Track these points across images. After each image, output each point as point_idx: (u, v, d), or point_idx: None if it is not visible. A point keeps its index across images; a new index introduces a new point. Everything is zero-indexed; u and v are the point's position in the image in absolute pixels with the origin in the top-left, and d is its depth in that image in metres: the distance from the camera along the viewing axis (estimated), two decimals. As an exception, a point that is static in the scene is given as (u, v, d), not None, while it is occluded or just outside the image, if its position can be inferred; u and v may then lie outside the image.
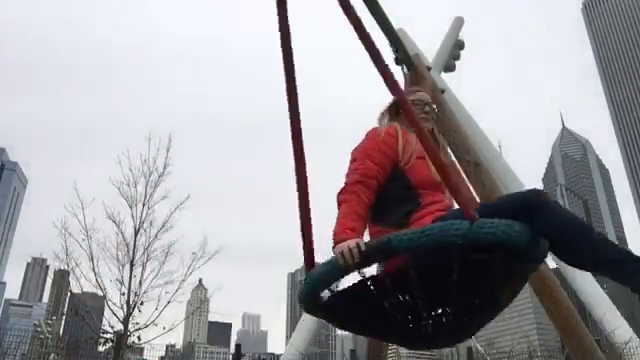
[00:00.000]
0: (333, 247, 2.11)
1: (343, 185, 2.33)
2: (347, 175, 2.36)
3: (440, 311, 2.14)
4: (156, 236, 14.33)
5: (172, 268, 14.28)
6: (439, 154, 2.25)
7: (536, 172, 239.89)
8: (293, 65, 2.19)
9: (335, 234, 2.14)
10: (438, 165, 2.16)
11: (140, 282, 13.71)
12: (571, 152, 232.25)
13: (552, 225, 2.06)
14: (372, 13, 4.07)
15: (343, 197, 2.27)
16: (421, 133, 2.17)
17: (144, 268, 13.94)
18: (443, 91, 4.69)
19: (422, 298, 2.07)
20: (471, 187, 4.27)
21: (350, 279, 2.13)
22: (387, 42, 4.26)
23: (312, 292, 2.21)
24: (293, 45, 2.17)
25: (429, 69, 4.78)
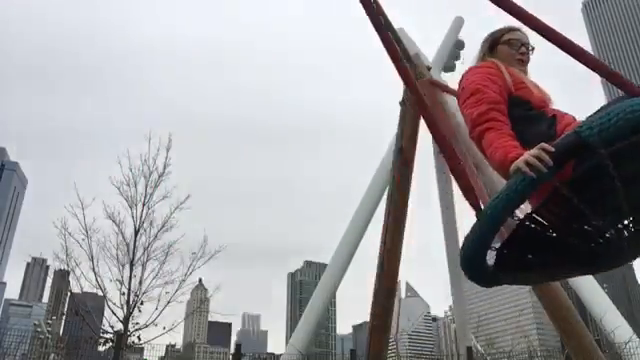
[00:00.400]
0: (508, 171, 1.87)
1: (473, 119, 2.18)
2: (471, 111, 2.21)
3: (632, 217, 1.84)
4: (156, 236, 14.28)
5: (172, 268, 14.21)
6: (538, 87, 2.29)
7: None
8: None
9: (505, 155, 1.92)
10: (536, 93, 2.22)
11: (140, 282, 13.69)
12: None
13: None
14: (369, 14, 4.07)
15: (482, 127, 2.12)
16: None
17: (144, 268, 13.92)
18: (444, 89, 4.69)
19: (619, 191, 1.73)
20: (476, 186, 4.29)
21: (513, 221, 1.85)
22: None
23: (492, 226, 1.89)
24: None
25: (429, 69, 4.78)
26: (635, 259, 2.12)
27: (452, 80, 24.40)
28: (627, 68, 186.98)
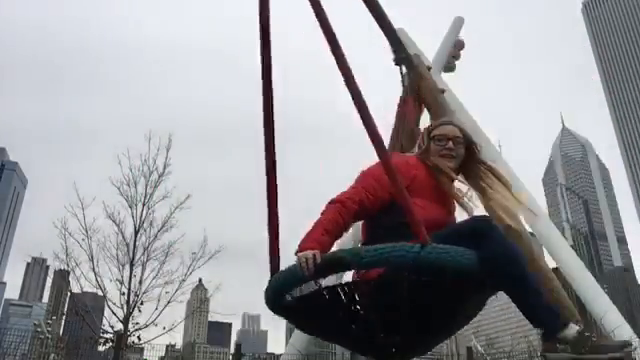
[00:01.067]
0: (295, 254, 2.24)
1: (335, 198, 2.42)
2: (341, 193, 2.44)
3: (393, 327, 2.23)
4: (156, 236, 14.26)
5: (172, 268, 14.20)
6: (401, 190, 2.22)
7: (536, 172, 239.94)
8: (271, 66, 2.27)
9: (300, 243, 2.26)
10: (399, 194, 2.19)
11: (140, 282, 13.68)
12: (571, 152, 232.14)
13: (493, 253, 2.11)
14: (372, 13, 4.07)
15: (323, 210, 2.37)
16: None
17: (144, 268, 13.90)
18: (443, 91, 4.67)
19: (376, 313, 2.19)
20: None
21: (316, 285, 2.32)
22: (387, 42, 4.25)
23: (273, 295, 2.38)
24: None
25: (429, 69, 4.77)
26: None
27: (452, 80, 24.42)
28: (627, 68, 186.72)
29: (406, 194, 2.19)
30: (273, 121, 2.33)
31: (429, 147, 2.63)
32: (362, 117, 2.17)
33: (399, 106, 3.93)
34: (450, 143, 2.62)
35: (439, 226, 2.32)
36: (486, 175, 2.64)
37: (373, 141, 2.17)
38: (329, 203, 2.38)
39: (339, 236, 2.36)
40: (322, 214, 2.34)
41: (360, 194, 2.39)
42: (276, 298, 2.39)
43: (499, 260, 2.12)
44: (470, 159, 2.67)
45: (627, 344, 2.19)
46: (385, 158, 2.20)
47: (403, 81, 4.46)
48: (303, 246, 2.22)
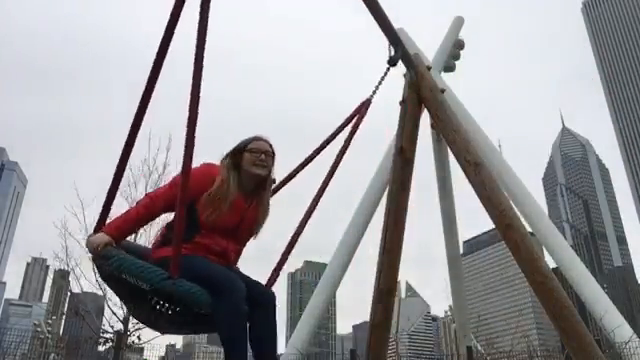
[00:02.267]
0: (95, 232, 2.83)
1: (151, 194, 2.99)
2: (159, 188, 3.04)
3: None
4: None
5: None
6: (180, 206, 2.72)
7: (536, 172, 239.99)
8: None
9: (107, 225, 2.83)
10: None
11: (140, 282, 13.71)
12: (571, 152, 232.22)
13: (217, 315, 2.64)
14: (372, 13, 4.07)
15: (138, 201, 2.98)
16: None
17: (144, 268, 13.95)
18: (443, 91, 4.67)
19: (142, 301, 2.75)
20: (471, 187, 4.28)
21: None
22: (387, 42, 4.25)
23: (97, 265, 2.87)
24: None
25: (429, 69, 4.77)
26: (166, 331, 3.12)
27: (452, 80, 24.42)
28: (627, 68, 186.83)
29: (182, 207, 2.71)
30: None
31: (246, 157, 3.05)
32: (189, 120, 2.62)
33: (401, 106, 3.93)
34: (262, 155, 3.05)
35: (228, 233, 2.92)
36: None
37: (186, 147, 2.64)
38: (145, 196, 2.98)
39: (141, 226, 3.09)
40: (141, 200, 2.93)
41: (168, 194, 2.86)
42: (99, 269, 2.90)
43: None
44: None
45: None
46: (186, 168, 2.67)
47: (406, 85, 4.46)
48: (105, 229, 2.77)
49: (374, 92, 4.15)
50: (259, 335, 2.69)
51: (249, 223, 3.02)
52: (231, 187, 2.90)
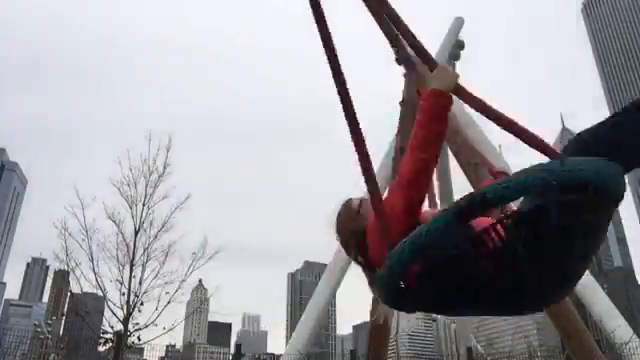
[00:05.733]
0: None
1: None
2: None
3: (543, 266, 1.93)
4: (156, 236, 14.33)
5: (172, 268, 14.26)
6: None
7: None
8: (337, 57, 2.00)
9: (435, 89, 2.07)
10: None
11: (140, 282, 13.72)
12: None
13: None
14: (372, 13, 4.07)
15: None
16: None
17: (144, 268, 13.96)
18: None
19: (530, 250, 1.86)
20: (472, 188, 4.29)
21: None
22: (387, 42, 4.26)
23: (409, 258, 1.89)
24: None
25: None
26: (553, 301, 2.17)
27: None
28: (627, 68, 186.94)
29: None
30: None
31: None
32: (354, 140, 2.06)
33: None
34: None
35: None
36: None
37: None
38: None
39: None
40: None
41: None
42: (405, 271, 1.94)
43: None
44: None
45: None
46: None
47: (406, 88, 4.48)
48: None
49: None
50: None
51: None
52: None
